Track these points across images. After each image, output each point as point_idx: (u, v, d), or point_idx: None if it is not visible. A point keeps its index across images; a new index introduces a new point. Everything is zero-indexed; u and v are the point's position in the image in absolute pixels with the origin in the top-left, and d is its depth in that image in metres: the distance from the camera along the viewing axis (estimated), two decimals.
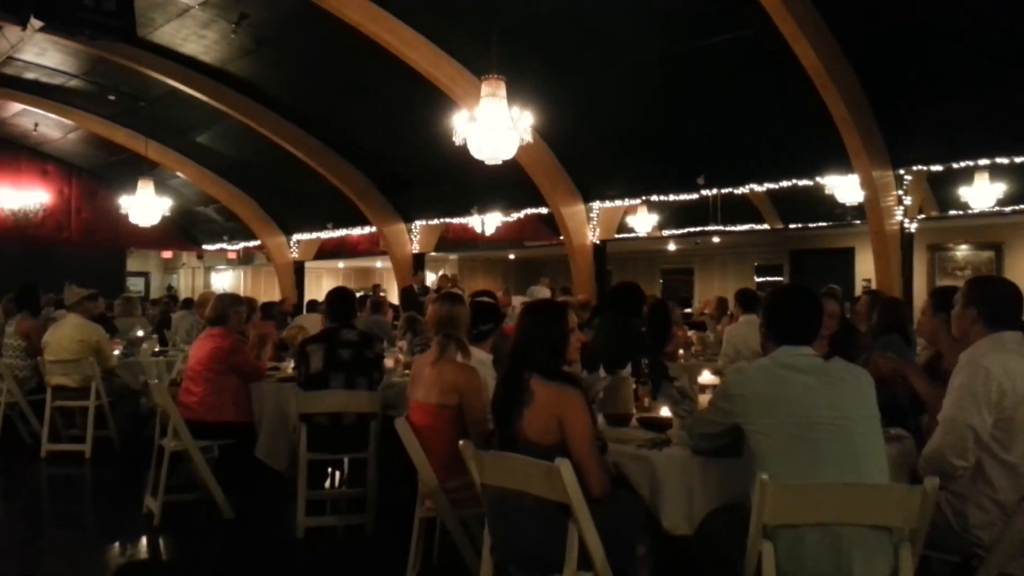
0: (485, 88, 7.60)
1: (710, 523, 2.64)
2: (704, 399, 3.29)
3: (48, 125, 15.49)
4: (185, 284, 22.79)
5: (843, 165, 8.44)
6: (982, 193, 10.55)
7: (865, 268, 12.60)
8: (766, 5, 6.99)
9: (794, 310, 2.61)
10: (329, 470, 5.29)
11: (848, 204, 11.01)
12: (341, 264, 20.74)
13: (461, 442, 2.71)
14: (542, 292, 9.92)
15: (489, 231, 14.72)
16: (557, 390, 2.64)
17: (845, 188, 10.09)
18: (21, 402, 6.61)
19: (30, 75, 12.60)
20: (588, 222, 11.51)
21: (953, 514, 2.71)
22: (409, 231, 14.29)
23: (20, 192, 17.11)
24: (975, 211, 11.01)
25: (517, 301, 9.37)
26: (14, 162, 17.11)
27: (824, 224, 13.40)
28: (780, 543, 2.27)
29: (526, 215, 12.58)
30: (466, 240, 16.02)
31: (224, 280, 22.65)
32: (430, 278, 15.28)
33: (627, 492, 2.77)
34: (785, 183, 9.43)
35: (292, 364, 5.04)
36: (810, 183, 9.31)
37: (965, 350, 2.78)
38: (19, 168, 17.20)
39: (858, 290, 12.87)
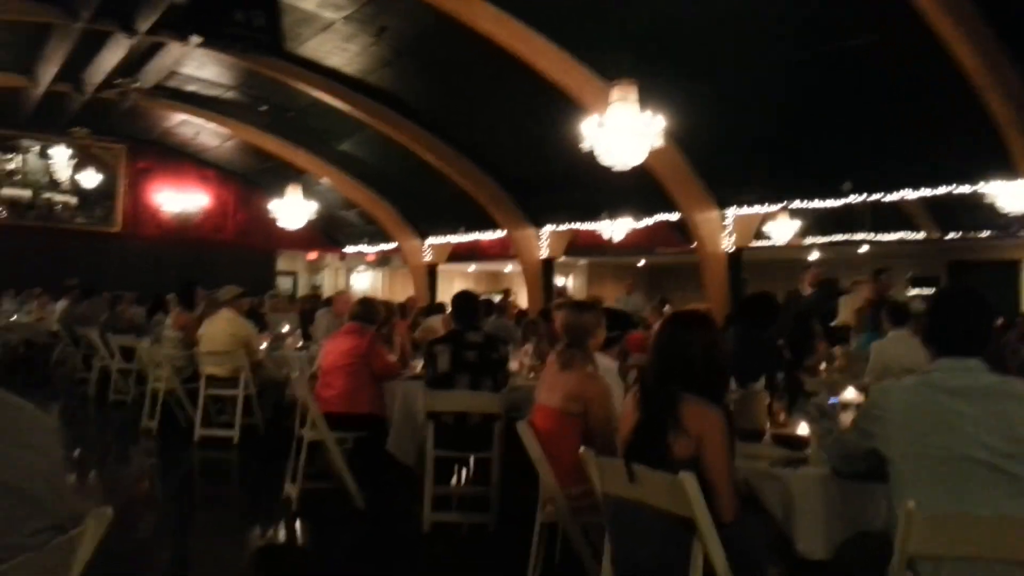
0: (616, 92, 7.53)
1: (849, 549, 2.48)
2: (844, 417, 3.11)
3: (207, 134, 16.70)
4: (329, 284, 23.95)
5: (1007, 170, 7.75)
6: None
7: None
8: (922, 4, 6.55)
9: (956, 315, 2.30)
10: (456, 467, 5.40)
11: (1012, 213, 10.13)
12: (472, 267, 21.14)
13: (582, 449, 2.68)
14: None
15: (618, 237, 14.57)
16: (699, 408, 2.52)
17: (1009, 195, 9.28)
18: (178, 389, 7.14)
19: (191, 87, 13.63)
20: (722, 229, 11.17)
21: None
22: (538, 236, 14.36)
23: (183, 196, 18.55)
24: None
25: None
26: (178, 168, 18.56)
27: (986, 234, 12.37)
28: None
29: (657, 221, 12.35)
30: (595, 246, 15.93)
31: (363, 281, 23.63)
32: (559, 283, 15.31)
33: (757, 511, 2.65)
34: (941, 189, 8.77)
35: (420, 363, 5.18)
36: (969, 190, 8.61)
37: None
38: (182, 173, 18.64)
39: None
